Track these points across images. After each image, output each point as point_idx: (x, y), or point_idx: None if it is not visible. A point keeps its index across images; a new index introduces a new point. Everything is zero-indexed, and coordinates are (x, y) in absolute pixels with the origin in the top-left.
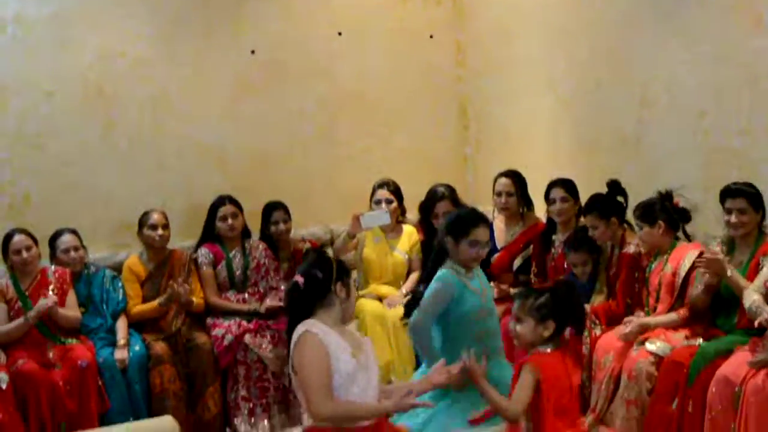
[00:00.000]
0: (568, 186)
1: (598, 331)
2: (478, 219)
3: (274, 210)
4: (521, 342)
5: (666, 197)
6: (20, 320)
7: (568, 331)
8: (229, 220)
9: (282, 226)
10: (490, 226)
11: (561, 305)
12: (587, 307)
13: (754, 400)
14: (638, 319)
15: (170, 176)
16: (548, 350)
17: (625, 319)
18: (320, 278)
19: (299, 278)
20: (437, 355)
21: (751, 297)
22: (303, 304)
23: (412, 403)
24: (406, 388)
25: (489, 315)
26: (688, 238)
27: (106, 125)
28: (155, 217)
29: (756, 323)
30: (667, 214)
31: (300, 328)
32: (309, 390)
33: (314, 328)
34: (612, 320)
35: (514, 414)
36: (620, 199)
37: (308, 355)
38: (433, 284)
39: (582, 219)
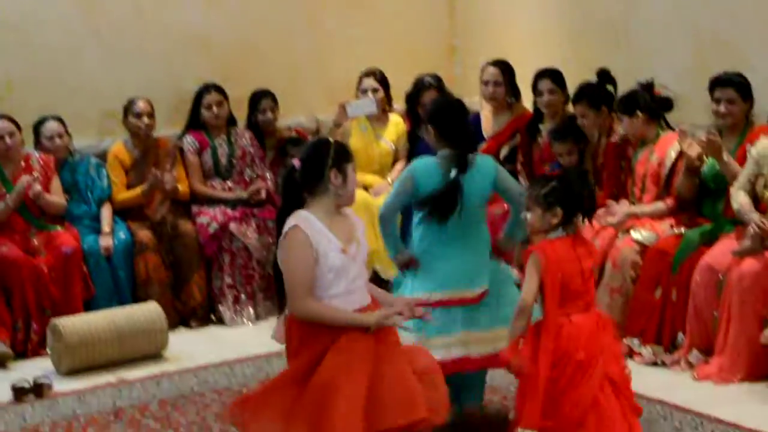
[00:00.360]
0: (555, 77)
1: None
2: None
3: (261, 98)
4: (532, 230)
5: (646, 87)
6: (0, 204)
7: (579, 218)
8: (214, 109)
9: (269, 115)
10: (473, 117)
11: (568, 192)
12: None
13: (737, 288)
14: (625, 207)
15: (155, 64)
16: (557, 236)
17: (608, 202)
18: (314, 163)
19: (296, 162)
20: (400, 247)
21: (738, 198)
22: (297, 189)
23: (396, 321)
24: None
25: (468, 205)
26: (670, 127)
27: (87, 9)
28: (140, 105)
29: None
30: (648, 104)
31: (290, 221)
32: (289, 287)
33: (304, 224)
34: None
35: (523, 304)
36: (609, 88)
37: (293, 254)
38: (404, 172)
39: (570, 108)
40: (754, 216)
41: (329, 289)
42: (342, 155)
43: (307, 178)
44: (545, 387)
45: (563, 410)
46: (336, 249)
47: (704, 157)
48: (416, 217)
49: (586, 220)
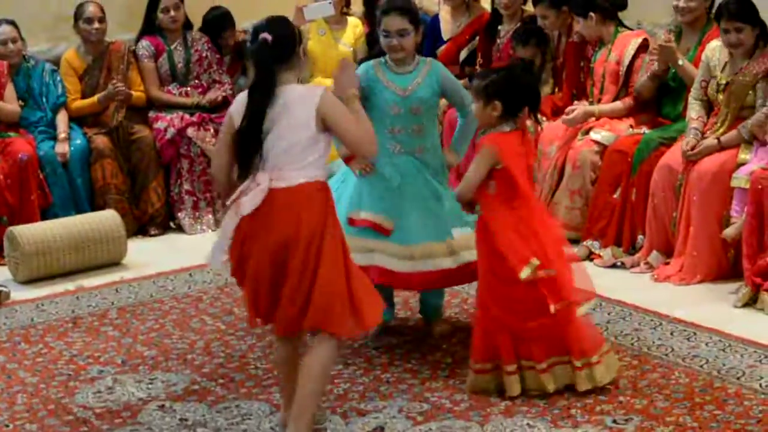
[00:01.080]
0: None
1: (544, 125)
2: (390, 7)
3: (224, 26)
4: (479, 123)
5: None
6: None
7: (525, 112)
8: (172, 12)
9: (230, 41)
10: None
11: (508, 85)
12: None
13: (696, 187)
14: (583, 106)
15: None
16: (506, 129)
17: (568, 108)
18: (288, 39)
19: (267, 36)
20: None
21: (691, 111)
22: (271, 63)
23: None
24: None
25: (408, 113)
26: (624, 26)
27: None
28: (90, 9)
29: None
30: (601, 4)
31: (315, 90)
32: (364, 134)
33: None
34: (556, 113)
35: (460, 191)
36: None
37: (340, 105)
38: None
39: (529, 8)
40: (691, 134)
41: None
42: (300, 33)
43: (282, 53)
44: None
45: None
46: None
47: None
48: None
49: (532, 115)
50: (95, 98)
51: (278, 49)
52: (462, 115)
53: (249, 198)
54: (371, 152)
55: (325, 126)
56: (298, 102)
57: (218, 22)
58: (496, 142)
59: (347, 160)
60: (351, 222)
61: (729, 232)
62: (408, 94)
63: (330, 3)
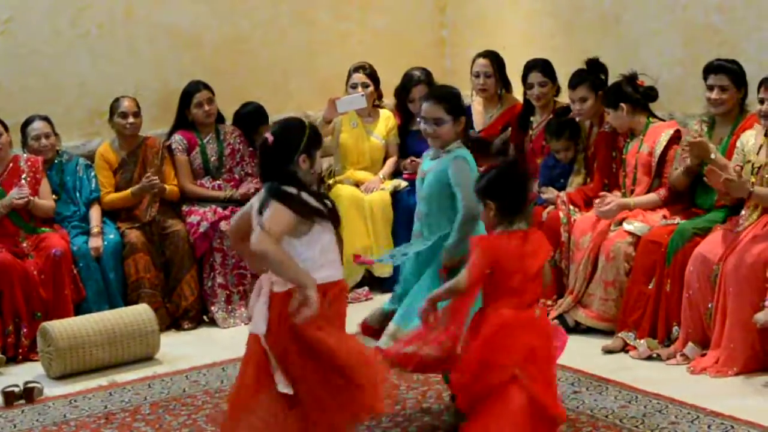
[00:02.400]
0: (545, 68)
1: (576, 217)
2: (428, 95)
3: (258, 125)
4: (485, 226)
5: (629, 79)
6: None
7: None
8: (206, 106)
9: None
10: (447, 102)
11: (500, 185)
12: (561, 193)
13: (732, 278)
14: (618, 198)
15: (143, 62)
16: (500, 231)
17: (601, 193)
18: (286, 144)
19: (269, 136)
20: None
21: None
22: (271, 163)
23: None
24: None
25: (420, 196)
26: (655, 116)
27: (76, 10)
28: (125, 104)
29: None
30: (631, 96)
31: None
32: (266, 225)
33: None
34: (588, 203)
35: (457, 285)
36: (602, 76)
37: (278, 209)
38: None
39: (561, 99)
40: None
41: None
42: (314, 140)
43: (278, 156)
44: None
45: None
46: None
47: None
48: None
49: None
50: (128, 191)
51: (276, 152)
52: (457, 209)
53: (260, 303)
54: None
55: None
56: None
57: (251, 117)
58: (481, 245)
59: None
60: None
61: (759, 317)
62: (422, 178)
63: (362, 96)
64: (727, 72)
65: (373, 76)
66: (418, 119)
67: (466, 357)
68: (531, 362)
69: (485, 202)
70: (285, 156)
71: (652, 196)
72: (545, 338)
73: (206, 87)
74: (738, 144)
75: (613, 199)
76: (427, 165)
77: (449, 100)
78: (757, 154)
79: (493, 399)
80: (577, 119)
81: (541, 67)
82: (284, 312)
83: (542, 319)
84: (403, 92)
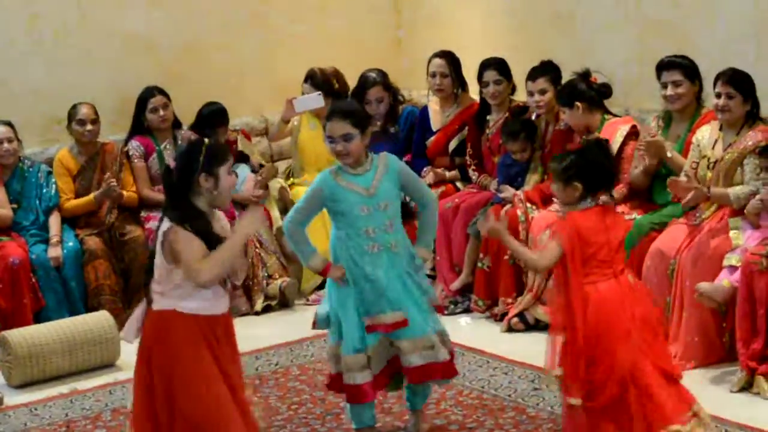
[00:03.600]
0: (500, 67)
1: (534, 214)
2: (331, 112)
3: (217, 125)
4: (561, 201)
5: (583, 76)
6: None
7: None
8: (161, 111)
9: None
10: (420, 111)
11: (588, 165)
12: (518, 191)
13: (689, 272)
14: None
15: (99, 68)
16: (583, 208)
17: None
18: (185, 166)
19: (171, 163)
20: (313, 252)
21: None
22: (176, 189)
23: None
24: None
25: (377, 211)
26: (611, 113)
27: (30, 17)
28: (83, 111)
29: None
30: (585, 93)
31: (163, 225)
32: (191, 264)
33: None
34: (546, 201)
35: (539, 261)
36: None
37: (182, 240)
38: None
39: (516, 98)
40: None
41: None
42: (214, 158)
43: (180, 180)
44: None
45: (598, 382)
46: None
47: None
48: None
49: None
50: (91, 196)
51: (179, 177)
52: (423, 206)
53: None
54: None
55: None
56: (161, 229)
57: (213, 117)
58: (567, 222)
59: (322, 272)
60: (370, 329)
61: (703, 285)
62: (373, 192)
63: (319, 95)
64: (678, 67)
65: (324, 84)
66: (328, 140)
67: (573, 342)
68: (643, 328)
69: (570, 183)
70: (187, 177)
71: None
72: (647, 301)
73: (161, 92)
74: (694, 140)
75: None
76: (367, 180)
77: (353, 114)
78: (713, 148)
79: (620, 382)
80: (536, 113)
81: (496, 65)
82: (161, 333)
83: (637, 283)
84: (359, 94)
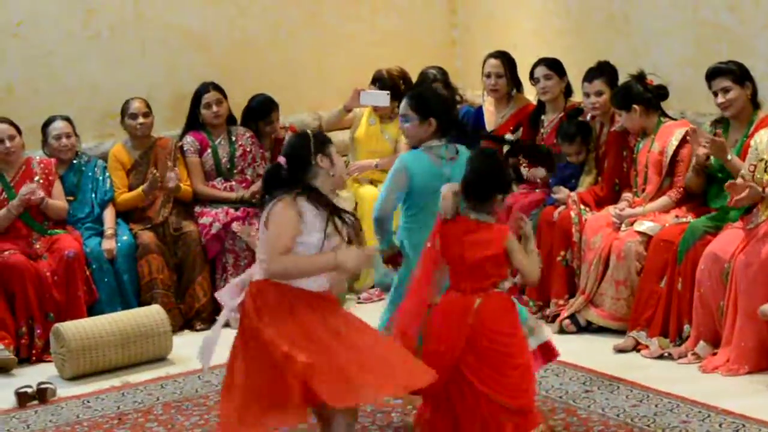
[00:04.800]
0: (551, 64)
1: (587, 216)
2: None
3: (269, 111)
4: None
5: (638, 79)
6: (3, 210)
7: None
8: (214, 107)
9: (277, 125)
10: (475, 111)
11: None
12: (572, 193)
13: (743, 276)
14: (631, 210)
15: (154, 64)
16: (459, 216)
17: (619, 206)
18: (300, 154)
19: (281, 159)
20: (393, 242)
21: None
22: (288, 183)
23: (368, 254)
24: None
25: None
26: (667, 115)
27: (87, 13)
28: (135, 105)
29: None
30: (642, 96)
31: (272, 203)
32: (269, 245)
33: (295, 201)
34: (600, 203)
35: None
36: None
37: (280, 215)
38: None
39: (573, 99)
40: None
41: None
42: (322, 140)
43: (296, 170)
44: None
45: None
46: (320, 230)
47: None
48: (408, 210)
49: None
50: (140, 190)
51: (294, 168)
52: None
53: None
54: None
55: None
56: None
57: (261, 107)
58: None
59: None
60: None
61: (766, 308)
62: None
63: (387, 94)
64: (726, 73)
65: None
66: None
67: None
68: (470, 352)
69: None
70: (304, 163)
71: (664, 200)
72: (489, 328)
73: (216, 88)
74: (752, 143)
75: (626, 211)
76: (449, 168)
77: (418, 100)
78: None
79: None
80: (591, 114)
81: (546, 61)
82: (258, 300)
83: (485, 307)
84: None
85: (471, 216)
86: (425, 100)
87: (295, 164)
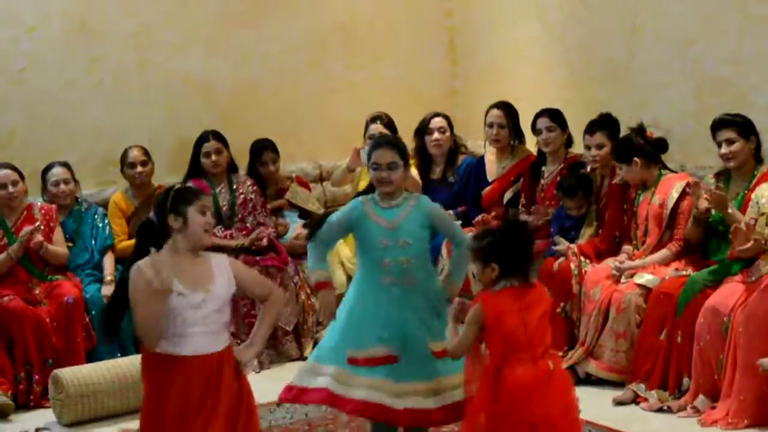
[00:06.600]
0: (553, 115)
1: (587, 268)
2: (380, 142)
3: (263, 150)
4: (480, 282)
5: (639, 131)
6: (3, 255)
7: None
8: (213, 156)
9: (271, 167)
10: (399, 149)
11: (506, 247)
12: (572, 245)
13: (743, 330)
14: (630, 262)
15: (156, 111)
16: (497, 289)
17: (618, 260)
18: (159, 211)
19: (153, 216)
20: (322, 268)
21: None
22: (152, 239)
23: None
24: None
25: (396, 246)
26: (667, 168)
27: (90, 60)
28: (134, 154)
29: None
30: (642, 149)
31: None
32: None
33: (144, 262)
34: (600, 255)
35: (454, 350)
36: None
37: (132, 290)
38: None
39: (573, 150)
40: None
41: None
42: (180, 198)
43: (159, 227)
44: None
45: None
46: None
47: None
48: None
49: (520, 275)
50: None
51: (158, 223)
52: (456, 245)
53: None
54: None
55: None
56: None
57: (256, 146)
58: (482, 302)
59: (318, 286)
60: (352, 361)
61: (765, 362)
62: (395, 227)
63: None
64: (732, 125)
65: (390, 125)
66: (372, 167)
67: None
68: (558, 417)
69: (488, 263)
70: (161, 221)
71: (664, 252)
72: (567, 388)
73: (216, 137)
74: (753, 197)
75: (625, 264)
76: (392, 215)
77: (398, 146)
78: None
79: None
80: (592, 167)
81: (548, 113)
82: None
83: (557, 368)
84: (421, 130)
85: (504, 284)
86: (405, 147)
87: (157, 220)
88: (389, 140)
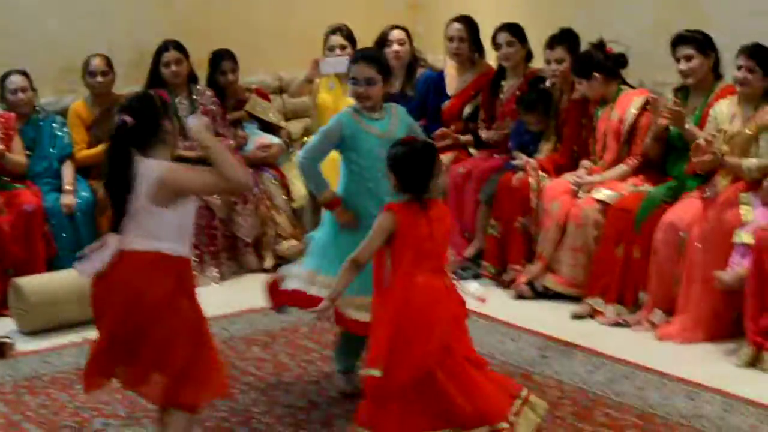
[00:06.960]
0: (514, 30)
1: (546, 183)
2: (358, 57)
3: (221, 59)
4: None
5: (598, 47)
6: None
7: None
8: (173, 67)
9: (230, 77)
10: (378, 63)
11: (401, 162)
12: (531, 159)
13: (699, 245)
14: (589, 177)
15: (115, 20)
16: (402, 200)
17: (581, 162)
18: (150, 116)
19: (126, 117)
20: (326, 187)
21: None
22: (134, 144)
23: None
24: None
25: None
26: (627, 84)
27: None
28: (95, 63)
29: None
30: (603, 64)
31: (153, 171)
32: (224, 175)
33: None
34: (558, 170)
35: (359, 256)
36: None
37: (184, 171)
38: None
39: (533, 65)
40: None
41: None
42: (166, 104)
43: (143, 133)
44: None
45: (396, 370)
46: None
47: None
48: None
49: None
50: (101, 147)
51: (142, 130)
52: None
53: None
54: (240, 183)
55: (169, 196)
56: (143, 175)
57: (214, 57)
58: (390, 211)
59: (329, 206)
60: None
61: (722, 275)
62: (390, 137)
63: (346, 59)
64: (691, 41)
65: (350, 38)
66: (351, 81)
67: (376, 339)
68: (454, 325)
69: (390, 171)
70: (153, 126)
71: (622, 168)
72: (459, 301)
73: (176, 47)
74: (711, 113)
75: (584, 178)
76: (383, 125)
77: (378, 61)
78: (731, 122)
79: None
80: (551, 81)
81: (509, 27)
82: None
83: (452, 285)
84: (381, 42)
85: (405, 197)
86: (387, 62)
87: (145, 126)
88: (367, 55)
